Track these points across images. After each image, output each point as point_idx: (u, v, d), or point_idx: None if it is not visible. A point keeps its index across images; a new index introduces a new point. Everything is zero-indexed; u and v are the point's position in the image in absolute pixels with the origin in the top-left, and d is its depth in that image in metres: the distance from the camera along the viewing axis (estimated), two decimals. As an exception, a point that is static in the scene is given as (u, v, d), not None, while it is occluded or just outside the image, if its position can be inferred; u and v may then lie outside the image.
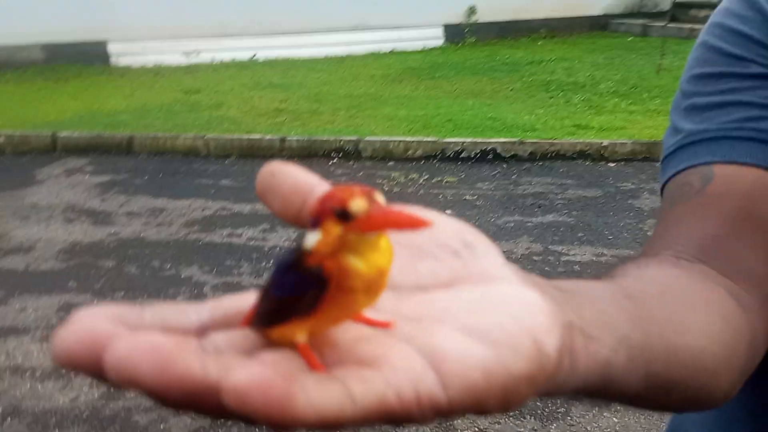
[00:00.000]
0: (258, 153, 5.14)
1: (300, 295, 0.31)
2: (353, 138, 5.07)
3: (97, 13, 7.70)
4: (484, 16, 9.19)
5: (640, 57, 7.90)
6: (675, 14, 9.59)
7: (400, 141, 5.00)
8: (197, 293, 3.18)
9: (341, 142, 5.06)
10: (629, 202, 4.20)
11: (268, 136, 5.20)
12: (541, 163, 4.84)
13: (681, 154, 0.63)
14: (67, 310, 3.06)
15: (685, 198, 0.61)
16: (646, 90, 6.34)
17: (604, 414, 2.37)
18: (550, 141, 4.91)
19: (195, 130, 5.41)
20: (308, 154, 5.08)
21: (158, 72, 7.75)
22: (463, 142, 4.92)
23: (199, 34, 8.13)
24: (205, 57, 8.17)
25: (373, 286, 0.32)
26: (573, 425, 2.33)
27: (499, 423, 2.35)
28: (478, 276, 0.36)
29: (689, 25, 9.22)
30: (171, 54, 8.06)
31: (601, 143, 4.86)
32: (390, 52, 8.70)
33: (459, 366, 0.30)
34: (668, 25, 7.90)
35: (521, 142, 4.89)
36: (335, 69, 7.80)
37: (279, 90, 6.80)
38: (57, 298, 3.16)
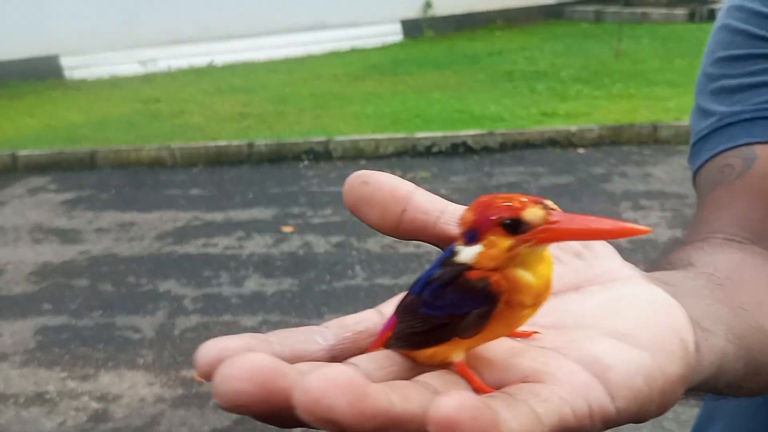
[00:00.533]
0: (226, 159, 5.06)
1: (463, 314, 0.30)
2: (323, 139, 5.03)
3: (48, 26, 7.49)
4: (440, 9, 9.22)
5: (597, 43, 8.01)
6: (627, -1, 9.77)
7: (371, 139, 4.98)
8: (177, 307, 3.11)
9: (311, 144, 5.01)
10: (601, 186, 4.26)
11: (235, 142, 5.12)
12: (512, 153, 4.87)
13: (716, 137, 0.63)
14: (44, 333, 2.96)
15: (727, 180, 0.61)
16: (606, 75, 6.43)
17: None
18: (519, 130, 4.94)
19: (158, 140, 5.30)
20: (277, 158, 5.02)
21: (114, 83, 7.58)
22: (434, 137, 4.92)
23: (154, 42, 7.97)
24: (161, 65, 8.02)
25: (539, 299, 0.30)
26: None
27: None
28: (605, 277, 0.36)
29: (641, 9, 9.40)
30: (126, 64, 7.89)
31: (569, 130, 4.91)
32: (350, 50, 8.66)
33: (623, 375, 0.29)
34: (622, 10, 8.05)
35: (491, 134, 4.91)
36: (296, 70, 7.73)
37: (241, 94, 6.71)
38: (32, 321, 3.06)
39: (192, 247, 3.73)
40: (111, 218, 4.19)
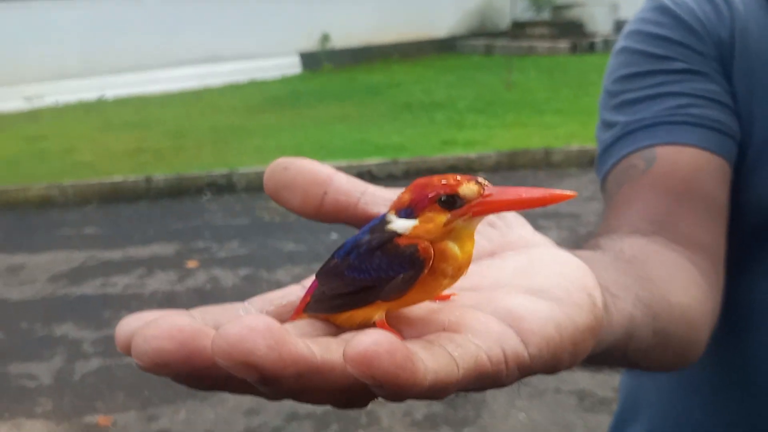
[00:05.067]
0: (122, 196, 4.87)
1: (389, 277, 0.30)
2: (225, 171, 4.94)
3: None
4: (338, 42, 9.35)
5: (488, 74, 8.37)
6: (514, 33, 10.31)
7: (274, 170, 4.93)
8: (76, 351, 2.94)
9: (213, 177, 4.91)
10: (501, 209, 4.41)
11: (132, 178, 4.94)
12: (415, 181, 4.97)
13: (621, 143, 0.68)
14: (-76, 389, 2.70)
15: (631, 179, 0.65)
16: (499, 105, 6.72)
17: (511, 411, 2.44)
18: (421, 158, 5.07)
19: (47, 179, 5.02)
20: (178, 193, 4.88)
21: (-4, 120, 7.14)
22: (339, 166, 4.92)
23: (40, 76, 7.60)
24: (48, 101, 7.64)
25: (460, 272, 0.32)
26: (485, 426, 2.39)
27: (415, 438, 2.36)
28: (518, 243, 0.38)
29: (527, 43, 9.93)
30: (9, 100, 7.45)
31: (469, 157, 5.09)
32: (248, 82, 8.60)
33: (536, 323, 0.31)
34: (509, 44, 8.49)
35: (395, 162, 5.01)
36: (193, 103, 7.58)
37: (135, 129, 6.49)
38: None
39: (89, 288, 3.54)
40: (-2, 262, 3.92)
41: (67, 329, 3.12)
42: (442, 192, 0.31)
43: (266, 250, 3.85)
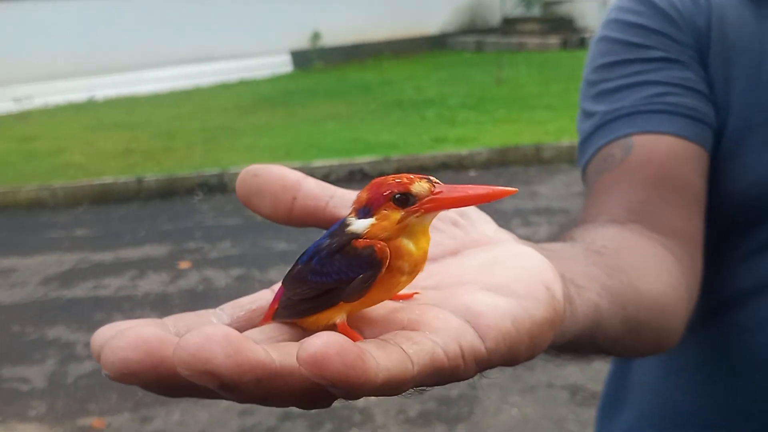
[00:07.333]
0: (113, 197, 4.85)
1: (350, 279, 0.32)
2: (216, 172, 4.93)
3: None
4: (329, 40, 9.34)
5: (478, 71, 8.38)
6: (505, 29, 10.32)
7: (266, 170, 4.93)
8: (69, 354, 2.93)
9: (204, 177, 4.89)
10: (493, 206, 4.39)
11: (122, 179, 4.92)
12: (407, 178, 4.97)
13: (600, 132, 0.70)
14: None
15: (609, 168, 0.67)
16: (490, 101, 6.73)
17: (503, 407, 2.45)
18: (412, 156, 5.07)
19: (37, 180, 5.00)
20: (169, 193, 4.86)
21: (-15, 122, 7.09)
22: (330, 165, 4.95)
23: (29, 77, 7.55)
24: (37, 102, 7.60)
25: (416, 268, 0.33)
26: (478, 422, 2.39)
27: (410, 435, 2.36)
28: (481, 241, 0.39)
29: (518, 39, 9.95)
30: (-2, 101, 7.42)
31: (460, 154, 5.09)
32: (239, 81, 8.58)
33: (493, 319, 0.31)
34: (500, 40, 8.50)
35: (386, 160, 5.01)
36: (183, 103, 7.56)
37: (125, 129, 6.47)
38: None
39: (81, 291, 3.52)
40: (-12, 265, 3.90)
41: (59, 332, 3.11)
42: (395, 190, 0.32)
43: (258, 250, 3.85)
